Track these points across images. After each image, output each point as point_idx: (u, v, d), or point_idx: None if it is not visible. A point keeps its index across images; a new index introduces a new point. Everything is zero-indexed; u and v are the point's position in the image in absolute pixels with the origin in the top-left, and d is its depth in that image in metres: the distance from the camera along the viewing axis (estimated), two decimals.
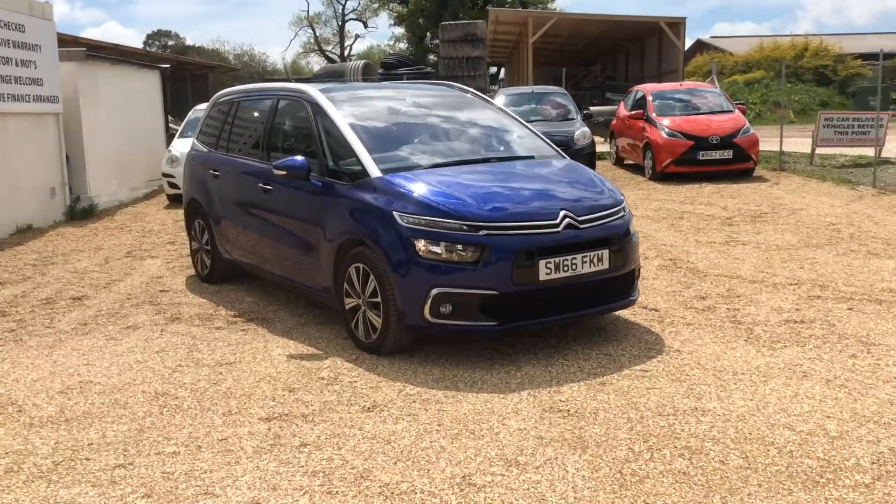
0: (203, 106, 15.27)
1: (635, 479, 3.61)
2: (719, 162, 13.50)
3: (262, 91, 7.32)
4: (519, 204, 5.32)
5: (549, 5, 57.98)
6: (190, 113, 15.15)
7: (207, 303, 7.13)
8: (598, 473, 3.68)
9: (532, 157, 6.20)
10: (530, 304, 5.19)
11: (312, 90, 6.38)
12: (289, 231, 6.31)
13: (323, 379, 5.07)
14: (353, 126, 5.93)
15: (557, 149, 6.51)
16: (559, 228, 5.20)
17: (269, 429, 4.32)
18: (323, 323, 6.32)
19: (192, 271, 8.42)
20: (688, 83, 17.86)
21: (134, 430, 4.39)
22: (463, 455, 3.91)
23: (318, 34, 69.82)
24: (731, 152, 13.44)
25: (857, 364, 4.98)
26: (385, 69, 24.22)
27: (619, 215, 5.59)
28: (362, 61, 23.68)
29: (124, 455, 4.07)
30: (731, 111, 14.43)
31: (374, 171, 5.56)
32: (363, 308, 5.52)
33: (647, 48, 37.30)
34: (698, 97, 14.89)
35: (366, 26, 74.18)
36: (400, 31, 66.83)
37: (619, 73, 41.78)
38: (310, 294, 6.35)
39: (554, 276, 5.15)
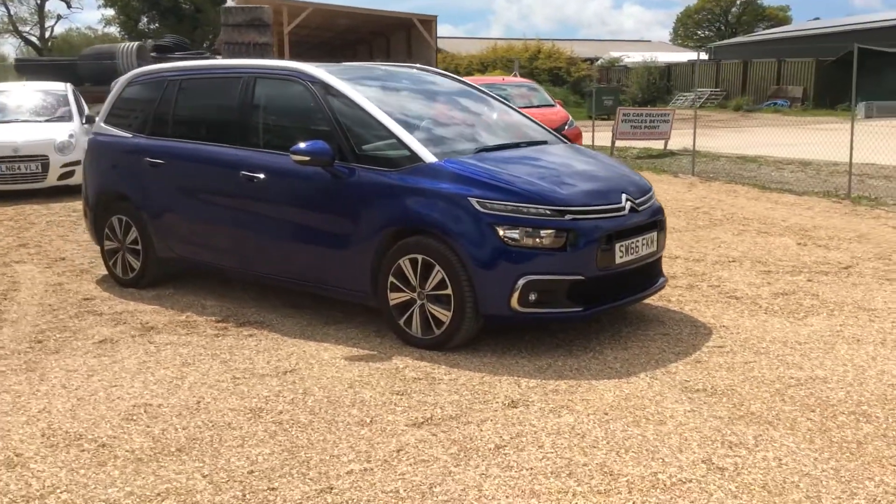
0: None
1: (854, 446, 3.80)
2: None
3: (220, 69, 6.57)
4: (589, 188, 5.30)
5: None
6: None
7: (165, 309, 6.28)
8: (816, 445, 3.81)
9: (546, 142, 6.17)
10: (607, 287, 5.21)
11: (314, 69, 5.84)
12: (295, 224, 5.74)
13: (419, 379, 4.72)
14: (382, 108, 5.53)
15: (554, 132, 6.54)
16: (626, 211, 5.27)
17: (434, 434, 3.97)
18: (334, 322, 5.84)
19: (92, 275, 7.37)
20: (509, 78, 18.52)
21: (279, 451, 3.82)
22: (675, 441, 3.85)
23: (12, 13, 62.81)
24: None
25: (885, 327, 5.56)
26: (159, 52, 22.58)
27: (654, 197, 5.76)
28: (135, 43, 22.01)
29: (311, 480, 3.54)
30: (553, 105, 15.23)
31: (428, 156, 5.24)
32: (420, 302, 5.20)
33: (393, 43, 38.07)
34: (523, 91, 15.50)
35: (69, 6, 67.95)
36: (110, 12, 62.27)
37: None
38: (324, 292, 5.82)
39: (625, 258, 5.22)
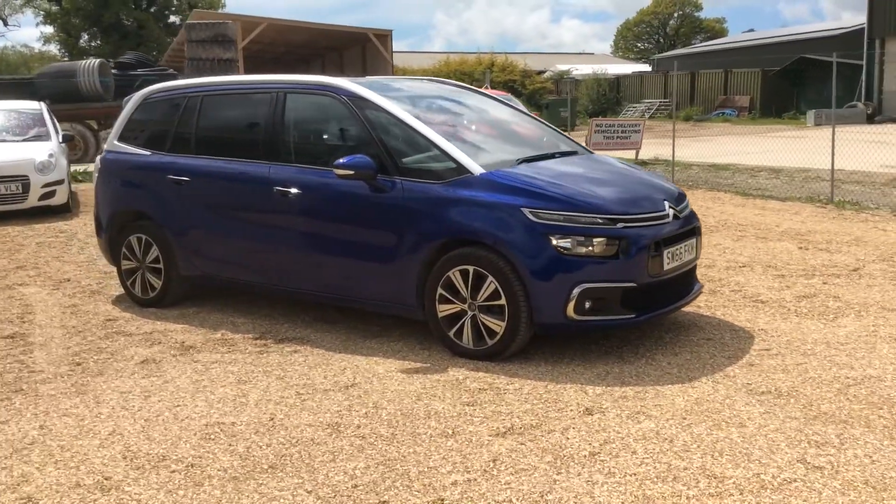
0: None
1: None
2: None
3: (246, 84, 6.50)
4: (633, 196, 5.38)
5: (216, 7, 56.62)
6: None
7: (195, 328, 6.19)
8: None
9: (576, 153, 6.25)
10: (655, 294, 5.29)
11: (349, 84, 5.85)
12: (333, 239, 5.72)
13: (484, 390, 4.73)
14: (422, 122, 5.56)
15: (580, 144, 6.63)
16: (670, 219, 5.37)
17: (522, 444, 4.00)
18: (373, 336, 5.83)
19: (105, 296, 7.23)
20: (487, 91, 18.59)
21: (374, 465, 3.81)
22: (763, 442, 3.93)
23: None
24: None
25: None
26: (120, 70, 22.18)
27: (689, 204, 5.88)
28: (97, 60, 21.63)
29: (419, 492, 3.54)
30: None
31: (476, 167, 5.28)
32: (471, 313, 5.22)
33: (347, 58, 38.04)
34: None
35: (6, 24, 66.27)
36: (49, 30, 61.00)
37: None
38: (363, 306, 5.81)
39: (672, 265, 5.31)
